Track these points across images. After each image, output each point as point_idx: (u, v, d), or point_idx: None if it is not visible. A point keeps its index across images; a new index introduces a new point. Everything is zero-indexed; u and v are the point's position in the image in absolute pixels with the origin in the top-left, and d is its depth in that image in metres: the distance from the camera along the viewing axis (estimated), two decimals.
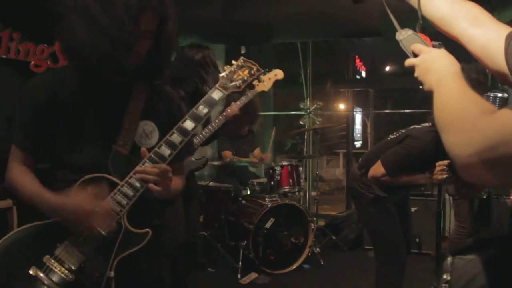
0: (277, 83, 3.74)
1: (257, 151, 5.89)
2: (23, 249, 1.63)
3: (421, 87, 1.23)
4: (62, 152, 1.70)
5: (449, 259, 1.37)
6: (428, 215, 5.28)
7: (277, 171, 5.06)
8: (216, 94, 1.75)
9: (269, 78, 3.53)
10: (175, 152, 1.66)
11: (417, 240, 5.28)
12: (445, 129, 1.02)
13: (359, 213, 3.63)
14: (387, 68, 11.35)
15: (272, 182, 5.08)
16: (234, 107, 3.57)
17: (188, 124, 1.69)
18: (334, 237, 5.51)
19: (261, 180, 5.55)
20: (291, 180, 5.12)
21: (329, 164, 16.88)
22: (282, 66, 4.01)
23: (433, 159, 2.81)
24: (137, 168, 1.63)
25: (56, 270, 1.58)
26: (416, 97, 11.24)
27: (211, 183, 5.23)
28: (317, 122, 6.71)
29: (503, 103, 2.58)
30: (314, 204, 6.07)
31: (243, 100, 3.61)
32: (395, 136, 3.13)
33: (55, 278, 1.57)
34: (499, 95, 2.61)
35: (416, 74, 1.25)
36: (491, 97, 2.63)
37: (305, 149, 6.75)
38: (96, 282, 1.60)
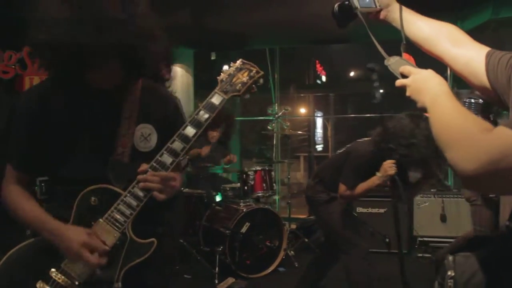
0: None
1: (226, 160, 5.92)
2: (29, 262, 1.62)
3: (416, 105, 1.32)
4: (61, 166, 1.67)
5: (451, 257, 1.45)
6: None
7: (250, 176, 5.11)
8: (216, 99, 1.67)
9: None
10: (177, 160, 1.64)
11: (387, 240, 5.42)
12: (448, 146, 1.11)
13: (318, 216, 3.82)
14: (352, 74, 11.58)
15: (245, 187, 5.13)
16: None
17: (189, 131, 1.64)
18: (306, 240, 5.60)
19: (234, 185, 5.57)
20: (264, 185, 5.18)
21: (290, 167, 17.01)
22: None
23: (378, 164, 3.11)
24: (139, 176, 1.60)
25: (62, 283, 1.56)
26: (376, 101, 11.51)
27: (184, 190, 5.22)
28: (285, 127, 6.79)
29: (478, 109, 2.72)
30: (282, 208, 6.15)
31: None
32: (342, 150, 3.63)
33: None
34: (473, 101, 2.75)
35: (408, 94, 1.34)
36: (466, 103, 2.76)
37: (273, 154, 6.82)
38: None
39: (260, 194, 5.16)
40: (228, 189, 5.46)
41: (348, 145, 3.62)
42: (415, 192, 3.58)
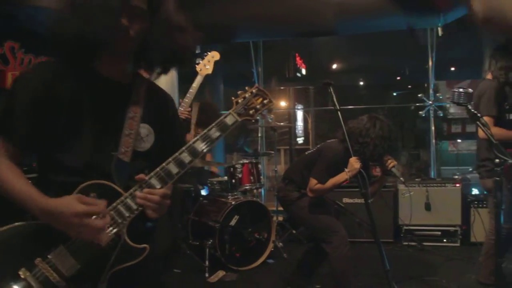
0: (227, 82, 3.86)
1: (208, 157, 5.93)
2: (15, 248, 1.53)
3: None
4: (56, 152, 1.61)
5: None
6: (383, 206, 5.55)
7: (238, 169, 5.13)
8: (230, 119, 1.71)
9: (209, 61, 3.89)
10: (183, 172, 1.64)
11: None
12: None
13: (292, 213, 3.94)
14: (333, 66, 11.67)
15: (233, 180, 5.14)
16: (184, 106, 3.75)
17: (199, 145, 1.66)
18: (294, 231, 5.65)
19: (221, 179, 5.58)
20: (252, 178, 5.21)
21: (271, 161, 17.11)
22: (231, 65, 4.14)
23: (347, 161, 3.34)
24: (138, 195, 1.58)
25: (47, 274, 1.50)
26: (356, 94, 11.67)
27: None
28: (270, 120, 6.82)
29: (468, 98, 2.77)
30: (268, 200, 6.18)
31: (192, 92, 3.80)
32: (312, 151, 3.88)
33: (45, 283, 1.50)
34: (462, 90, 2.81)
35: None
36: (456, 93, 2.82)
37: (259, 147, 6.85)
38: None
39: (247, 187, 5.18)
40: (215, 182, 5.46)
41: (318, 146, 3.87)
42: (378, 186, 3.73)
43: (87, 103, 1.63)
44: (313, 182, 3.54)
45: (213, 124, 1.69)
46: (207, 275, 4.53)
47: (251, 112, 1.75)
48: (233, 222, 4.74)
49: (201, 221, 4.93)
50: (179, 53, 1.73)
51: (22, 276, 1.48)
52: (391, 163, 3.47)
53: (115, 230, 1.57)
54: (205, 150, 1.67)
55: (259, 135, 6.98)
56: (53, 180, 1.63)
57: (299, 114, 15.54)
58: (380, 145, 3.41)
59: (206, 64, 3.86)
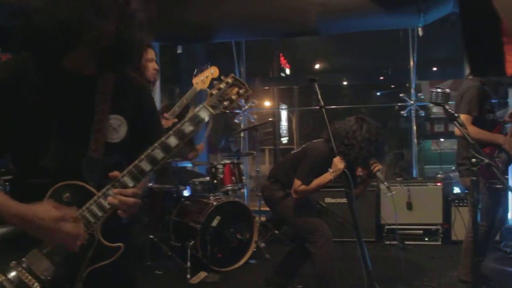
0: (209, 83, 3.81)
1: (193, 154, 5.88)
2: None
3: None
4: (26, 152, 1.59)
5: None
6: (365, 206, 5.57)
7: (219, 170, 5.10)
8: (203, 113, 1.66)
9: (207, 77, 3.68)
10: (155, 168, 1.60)
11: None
12: None
13: (277, 212, 3.95)
14: (317, 66, 11.69)
15: (215, 181, 5.12)
16: (169, 119, 3.68)
17: (172, 141, 1.61)
18: (276, 232, 5.64)
19: (203, 179, 5.55)
20: (233, 178, 5.19)
21: (255, 160, 17.06)
22: (215, 65, 4.08)
23: (332, 162, 3.32)
24: (109, 197, 1.56)
25: (22, 278, 1.49)
26: (340, 93, 11.70)
27: (152, 185, 5.17)
28: (252, 120, 6.82)
29: (445, 98, 2.78)
30: (251, 200, 6.16)
31: (177, 110, 3.73)
32: (297, 150, 3.88)
33: (20, 286, 1.48)
34: (440, 90, 2.82)
35: None
36: (433, 93, 2.83)
37: (241, 147, 6.83)
38: None
39: (229, 187, 5.16)
40: (197, 183, 5.44)
41: (303, 146, 3.86)
42: (363, 188, 3.74)
43: (55, 99, 1.60)
44: (297, 183, 3.52)
45: (186, 119, 1.65)
46: (188, 276, 4.50)
47: (225, 103, 1.69)
48: (214, 223, 4.71)
49: (183, 222, 4.89)
50: (136, 51, 1.70)
51: None
52: (376, 167, 3.45)
53: (89, 230, 1.55)
54: (178, 146, 1.62)
55: (241, 135, 6.96)
56: (26, 182, 1.60)
57: (283, 114, 15.56)
58: (365, 148, 3.38)
59: (204, 80, 3.66)
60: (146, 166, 1.59)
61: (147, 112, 1.82)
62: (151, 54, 3.86)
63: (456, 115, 2.63)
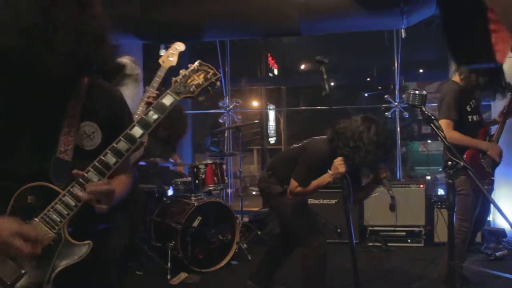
0: None
1: (175, 157, 5.86)
2: None
3: None
4: None
5: None
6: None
7: (201, 170, 5.07)
8: (167, 100, 1.65)
9: (173, 53, 3.61)
10: (121, 161, 1.59)
11: (338, 230, 5.52)
12: None
13: (273, 208, 3.84)
14: (303, 66, 11.68)
15: (196, 181, 5.08)
16: (151, 90, 3.57)
17: (136, 131, 1.60)
18: (259, 232, 5.61)
19: (185, 179, 5.52)
20: (215, 178, 5.15)
21: (243, 160, 17.06)
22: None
23: (332, 163, 3.15)
24: (83, 194, 1.54)
25: None
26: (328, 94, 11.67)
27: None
28: (237, 120, 6.79)
29: (422, 100, 2.77)
30: (235, 201, 6.13)
31: (157, 80, 3.63)
32: (299, 145, 3.63)
33: None
34: (417, 92, 2.81)
35: None
36: (411, 94, 2.81)
37: (225, 147, 6.80)
38: None
39: (211, 188, 5.13)
40: (179, 183, 5.40)
41: (305, 141, 3.63)
42: (366, 193, 3.63)
43: (24, 102, 1.57)
44: (293, 184, 3.34)
45: (150, 107, 1.64)
46: (169, 277, 4.47)
47: (191, 89, 1.69)
48: (195, 223, 4.67)
49: (164, 222, 4.85)
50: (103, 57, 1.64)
51: None
52: (383, 173, 3.27)
53: (55, 230, 1.53)
54: (143, 136, 1.61)
55: (225, 135, 6.93)
56: None
57: (271, 114, 15.55)
58: (372, 152, 3.10)
59: (170, 56, 3.56)
60: (110, 159, 1.58)
61: (121, 119, 1.79)
62: None
63: (432, 117, 2.61)
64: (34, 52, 1.45)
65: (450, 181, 2.50)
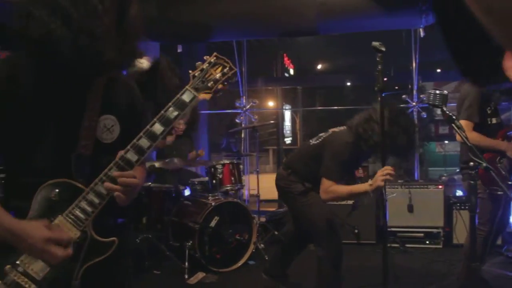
0: None
1: (192, 154, 5.88)
2: None
3: None
4: (19, 153, 1.59)
5: None
6: (366, 207, 5.52)
7: (218, 170, 5.08)
8: (187, 96, 1.62)
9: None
10: (143, 158, 1.59)
11: (356, 231, 5.49)
12: None
13: (291, 207, 3.75)
14: (319, 66, 11.66)
15: (214, 181, 5.09)
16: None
17: (157, 128, 1.59)
18: (276, 232, 5.60)
19: (202, 179, 5.53)
20: (232, 178, 5.16)
21: (259, 161, 17.07)
22: None
23: (359, 155, 3.16)
24: (106, 184, 1.55)
25: (18, 280, 1.48)
26: (343, 94, 11.65)
27: (152, 184, 5.14)
28: (254, 120, 6.79)
29: (443, 100, 2.74)
30: (252, 201, 6.13)
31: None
32: (316, 141, 3.46)
33: None
34: (438, 92, 2.78)
35: None
36: (432, 94, 2.79)
37: (242, 147, 6.81)
38: None
39: (228, 188, 5.13)
40: (196, 183, 5.41)
41: (323, 135, 3.48)
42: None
43: (46, 99, 1.59)
44: (327, 183, 3.19)
45: (169, 104, 1.62)
46: (186, 276, 4.47)
47: (209, 84, 1.66)
48: (213, 223, 4.68)
49: (181, 222, 4.87)
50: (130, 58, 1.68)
51: None
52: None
53: (80, 228, 1.54)
54: (164, 133, 1.60)
55: (242, 135, 6.94)
56: (18, 182, 1.61)
57: (287, 114, 15.52)
58: (403, 139, 3.05)
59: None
60: (132, 156, 1.58)
61: (138, 112, 1.81)
62: None
63: (453, 117, 2.58)
64: (91, 49, 1.48)
65: (472, 182, 2.47)
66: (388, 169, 2.88)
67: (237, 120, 7.04)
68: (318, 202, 3.39)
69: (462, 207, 5.33)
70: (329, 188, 3.19)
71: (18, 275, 1.49)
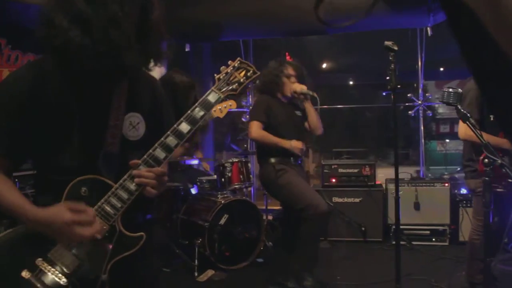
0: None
1: (197, 153, 5.90)
2: (15, 250, 1.57)
3: None
4: (47, 154, 1.63)
5: None
6: (372, 205, 5.56)
7: (227, 168, 5.10)
8: (212, 97, 1.71)
9: (225, 107, 3.73)
10: (170, 155, 1.64)
11: (363, 228, 5.53)
12: None
13: (270, 190, 4.25)
14: (324, 65, 11.68)
15: (222, 179, 5.12)
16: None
17: (184, 127, 1.65)
18: (274, 221, 5.64)
19: (210, 177, 5.56)
20: (241, 176, 5.18)
21: None
22: (221, 63, 4.07)
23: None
24: (134, 172, 1.60)
25: (49, 273, 1.52)
26: (346, 93, 11.69)
27: None
28: None
29: (458, 98, 2.77)
30: (259, 199, 6.15)
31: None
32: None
33: (48, 282, 1.52)
34: (451, 90, 2.81)
35: None
36: (446, 92, 2.82)
37: (248, 146, 6.83)
38: (90, 286, 1.57)
39: (237, 186, 5.16)
40: (204, 181, 5.44)
41: None
42: (311, 116, 4.26)
43: (73, 99, 1.63)
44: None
45: (196, 104, 1.69)
46: (196, 274, 4.51)
47: (234, 86, 1.75)
48: (222, 221, 4.72)
49: (190, 220, 4.90)
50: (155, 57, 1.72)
51: (25, 278, 1.50)
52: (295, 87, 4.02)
53: (109, 222, 1.59)
54: (190, 132, 1.66)
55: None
56: (47, 178, 1.65)
57: None
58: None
59: (222, 109, 3.69)
60: (160, 154, 1.63)
61: (162, 109, 1.86)
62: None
63: (468, 115, 2.62)
64: (111, 56, 1.52)
65: (486, 178, 2.51)
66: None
67: (243, 119, 7.07)
68: (289, 174, 3.98)
69: (468, 205, 5.36)
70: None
71: (48, 267, 1.53)
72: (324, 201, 3.92)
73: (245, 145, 6.92)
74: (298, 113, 4.17)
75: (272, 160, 4.04)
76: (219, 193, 5.02)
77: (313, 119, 4.13)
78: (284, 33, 6.05)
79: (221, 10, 5.19)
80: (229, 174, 5.09)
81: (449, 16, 0.83)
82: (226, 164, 5.11)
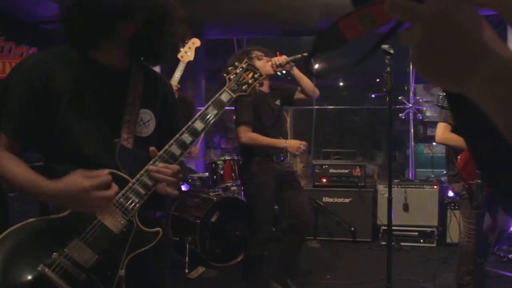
0: (209, 79, 3.83)
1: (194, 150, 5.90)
2: (32, 244, 1.55)
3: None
4: (60, 142, 1.62)
5: None
6: (362, 206, 5.62)
7: (219, 166, 5.11)
8: (225, 96, 1.74)
9: (190, 48, 3.80)
10: (185, 152, 1.67)
11: (352, 229, 5.58)
12: None
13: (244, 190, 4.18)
14: (316, 66, 11.71)
15: (214, 177, 5.13)
16: (174, 84, 3.76)
17: (198, 125, 1.68)
18: (273, 229, 5.66)
19: (201, 174, 5.57)
20: (233, 174, 5.20)
21: None
22: (214, 61, 4.11)
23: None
24: (151, 167, 1.60)
25: (66, 268, 1.51)
26: (336, 94, 11.74)
27: None
28: None
29: None
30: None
31: (178, 74, 3.83)
32: None
33: (65, 276, 1.51)
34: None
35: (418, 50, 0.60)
36: (440, 96, 2.87)
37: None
38: (108, 281, 1.57)
39: (229, 184, 5.18)
40: (196, 178, 5.45)
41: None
42: (302, 83, 4.19)
43: (87, 92, 1.64)
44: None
45: (209, 103, 1.72)
46: (186, 271, 4.52)
47: (244, 87, 1.79)
48: (214, 219, 4.73)
49: (182, 216, 4.91)
50: (170, 45, 1.76)
51: (42, 272, 1.49)
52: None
53: (127, 217, 1.59)
54: (204, 130, 1.70)
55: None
56: (57, 169, 1.62)
57: None
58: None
59: (188, 51, 3.75)
60: (176, 150, 1.64)
61: (172, 108, 1.89)
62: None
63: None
64: None
65: (479, 181, 2.56)
66: (304, 144, 3.65)
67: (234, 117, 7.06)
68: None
69: (456, 207, 5.44)
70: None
71: (65, 262, 1.52)
72: (270, 228, 4.05)
73: (235, 144, 6.90)
74: (278, 102, 4.10)
75: (253, 158, 3.83)
76: (211, 190, 5.03)
77: (307, 83, 4.03)
78: (279, 32, 6.07)
79: (217, 7, 5.18)
80: (221, 172, 5.10)
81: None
82: (218, 162, 5.12)
